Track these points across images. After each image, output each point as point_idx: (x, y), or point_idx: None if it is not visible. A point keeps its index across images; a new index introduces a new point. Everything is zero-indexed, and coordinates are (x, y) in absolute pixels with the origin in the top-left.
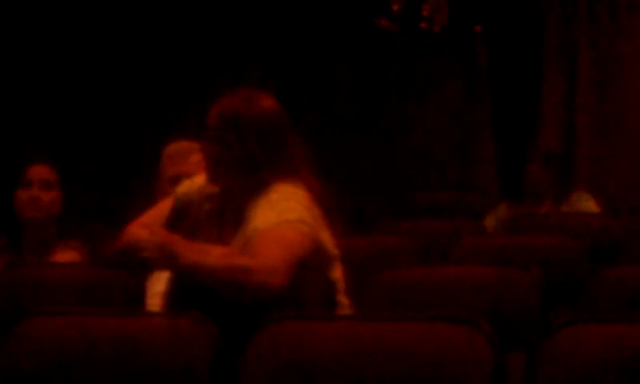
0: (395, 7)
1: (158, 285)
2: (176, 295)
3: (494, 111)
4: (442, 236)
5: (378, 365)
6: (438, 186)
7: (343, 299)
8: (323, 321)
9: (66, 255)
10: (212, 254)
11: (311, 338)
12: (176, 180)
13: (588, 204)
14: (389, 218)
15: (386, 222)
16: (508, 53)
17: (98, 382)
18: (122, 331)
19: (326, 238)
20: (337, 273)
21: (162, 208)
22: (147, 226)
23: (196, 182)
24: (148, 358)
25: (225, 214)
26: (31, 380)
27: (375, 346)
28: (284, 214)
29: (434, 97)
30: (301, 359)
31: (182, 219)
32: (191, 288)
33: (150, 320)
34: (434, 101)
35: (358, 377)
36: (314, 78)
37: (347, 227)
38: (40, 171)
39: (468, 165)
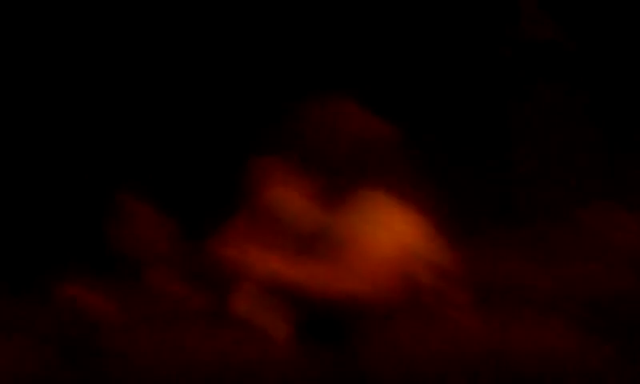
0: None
1: (260, 305)
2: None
3: (596, 103)
4: (546, 241)
5: (497, 369)
6: (539, 186)
7: (455, 301)
8: (435, 325)
9: (174, 285)
10: (318, 277)
11: (425, 343)
12: (275, 203)
13: None
14: (489, 224)
15: (487, 228)
16: (617, 54)
17: None
18: (234, 354)
19: (432, 251)
20: (445, 284)
21: (259, 227)
22: (247, 247)
23: (292, 201)
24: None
25: (328, 233)
26: None
27: (492, 351)
28: (387, 228)
29: (531, 95)
30: (415, 364)
31: (283, 241)
32: (305, 310)
33: (262, 343)
34: (531, 99)
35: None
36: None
37: (452, 236)
38: (143, 208)
39: (570, 164)
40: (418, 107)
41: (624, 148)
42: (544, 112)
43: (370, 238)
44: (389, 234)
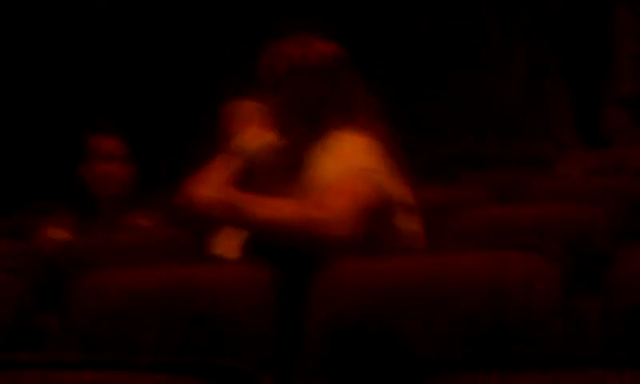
0: None
1: (227, 244)
2: (249, 251)
3: (566, 56)
4: (514, 185)
5: (443, 295)
6: (511, 135)
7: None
8: (386, 257)
9: (140, 223)
10: (279, 208)
11: (375, 272)
12: (239, 138)
13: None
14: (461, 170)
15: (458, 173)
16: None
17: (160, 328)
18: (183, 279)
19: (396, 187)
20: (409, 222)
21: (225, 165)
22: (211, 185)
23: (258, 136)
24: (211, 302)
25: (290, 166)
26: (92, 332)
27: (440, 276)
28: (349, 162)
29: (504, 44)
30: (365, 293)
31: (246, 175)
32: (260, 243)
33: (210, 267)
34: (504, 48)
35: (423, 308)
36: (385, 32)
37: (419, 177)
38: (110, 145)
39: (541, 114)
40: (392, 48)
41: (590, 99)
42: (514, 66)
43: (335, 173)
44: (354, 169)
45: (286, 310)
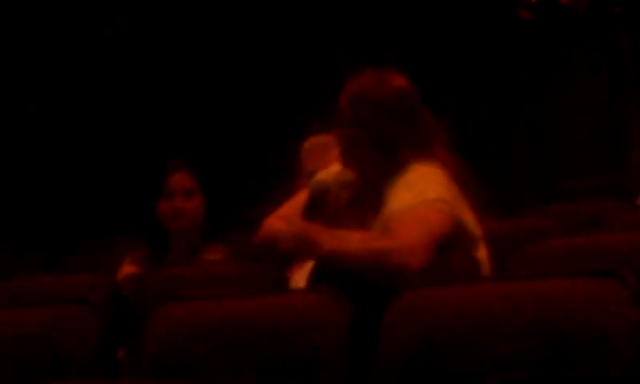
0: None
1: (301, 280)
2: (317, 282)
3: None
4: (591, 217)
5: (515, 322)
6: (589, 170)
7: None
8: (459, 285)
9: (211, 257)
10: (350, 240)
11: (448, 301)
12: (315, 174)
13: None
14: (537, 204)
15: (534, 206)
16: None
17: (237, 358)
18: (258, 309)
19: (467, 217)
20: (480, 253)
21: (299, 199)
22: (285, 218)
23: (332, 170)
24: (284, 333)
25: (363, 199)
26: (170, 362)
27: (512, 303)
28: (422, 193)
29: (579, 82)
30: (437, 322)
31: (319, 208)
32: (332, 274)
33: (284, 298)
34: (579, 86)
35: (498, 335)
36: (456, 70)
37: (489, 208)
38: (181, 180)
39: (618, 147)
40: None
41: None
42: (591, 96)
43: (407, 203)
44: (426, 199)
45: (358, 340)
